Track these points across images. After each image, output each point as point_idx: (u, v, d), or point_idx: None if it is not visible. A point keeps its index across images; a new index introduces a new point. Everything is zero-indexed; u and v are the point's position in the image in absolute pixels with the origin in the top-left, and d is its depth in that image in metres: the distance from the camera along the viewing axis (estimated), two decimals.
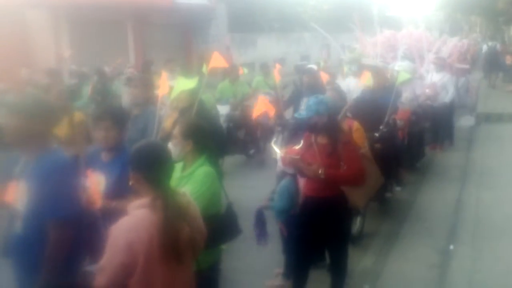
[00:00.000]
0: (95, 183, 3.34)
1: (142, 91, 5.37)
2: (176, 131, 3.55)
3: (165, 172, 2.69)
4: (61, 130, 3.44)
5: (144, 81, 5.67)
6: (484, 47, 23.79)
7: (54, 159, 2.98)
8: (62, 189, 2.88)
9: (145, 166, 2.64)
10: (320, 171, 4.25)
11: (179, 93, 4.81)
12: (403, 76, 6.92)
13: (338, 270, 4.63)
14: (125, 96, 7.69)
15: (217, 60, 5.09)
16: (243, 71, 10.50)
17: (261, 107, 5.15)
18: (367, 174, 4.40)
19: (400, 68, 8.36)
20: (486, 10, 31.82)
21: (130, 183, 2.69)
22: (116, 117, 3.73)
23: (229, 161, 9.04)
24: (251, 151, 9.85)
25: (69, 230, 2.88)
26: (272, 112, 5.23)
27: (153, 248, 2.48)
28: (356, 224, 6.07)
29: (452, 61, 12.03)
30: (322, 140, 4.39)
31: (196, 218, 2.77)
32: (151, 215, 2.52)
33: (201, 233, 2.81)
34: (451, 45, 13.44)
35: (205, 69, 5.00)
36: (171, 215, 2.54)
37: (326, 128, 4.36)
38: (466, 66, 13.24)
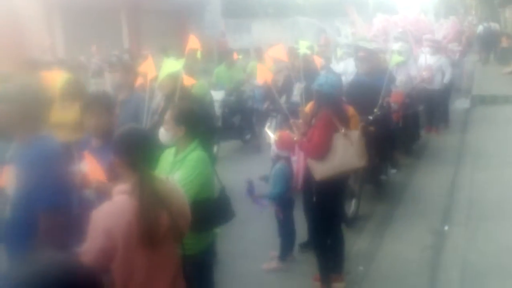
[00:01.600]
0: (93, 164, 3.34)
1: (125, 75, 5.33)
2: (168, 116, 3.54)
3: (146, 157, 2.67)
4: (71, 116, 3.43)
5: (126, 65, 5.63)
6: (480, 28, 23.77)
7: (44, 145, 2.97)
8: (52, 175, 2.87)
9: (125, 151, 2.64)
10: (294, 138, 4.76)
11: (168, 78, 4.78)
12: (396, 59, 6.92)
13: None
14: (108, 81, 7.64)
15: (193, 42, 5.15)
16: (237, 56, 10.49)
17: (263, 74, 5.50)
18: (325, 149, 4.56)
19: (396, 49, 8.36)
20: None
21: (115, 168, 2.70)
22: (102, 103, 3.72)
23: (225, 146, 9.06)
24: (247, 136, 9.87)
25: (60, 217, 2.88)
26: (270, 79, 5.59)
27: (132, 234, 2.48)
28: (351, 206, 6.11)
29: (448, 41, 12.00)
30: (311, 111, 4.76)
31: (179, 203, 2.76)
32: (131, 200, 2.52)
33: (185, 219, 2.80)
34: (446, 26, 13.41)
35: (199, 55, 5.01)
36: (149, 200, 2.53)
37: (317, 102, 4.70)
38: (459, 48, 13.21)
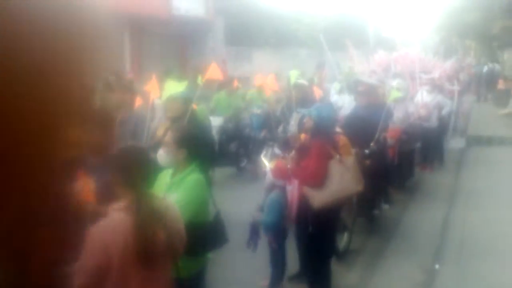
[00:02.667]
0: (86, 185, 3.35)
1: (125, 95, 5.36)
2: (169, 139, 3.57)
3: (143, 175, 2.70)
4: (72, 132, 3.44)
5: (126, 85, 5.67)
6: (485, 68, 24.53)
7: None
8: None
9: (122, 169, 2.67)
10: (288, 166, 4.77)
11: (171, 102, 4.83)
12: (395, 94, 7.01)
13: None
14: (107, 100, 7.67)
15: (214, 72, 5.18)
16: (237, 84, 10.60)
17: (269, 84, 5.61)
18: (321, 177, 4.58)
19: (394, 86, 8.46)
20: (481, 34, 32.16)
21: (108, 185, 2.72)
22: (101, 120, 3.75)
23: (220, 172, 9.07)
24: (242, 164, 9.89)
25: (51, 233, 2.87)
26: (275, 87, 5.72)
27: (128, 252, 2.49)
28: (343, 240, 6.10)
29: (442, 82, 12.15)
30: (305, 140, 4.78)
31: (175, 223, 2.77)
32: (127, 218, 2.53)
33: (180, 239, 2.81)
34: (444, 67, 13.59)
35: (200, 80, 5.07)
36: (146, 219, 2.55)
37: (311, 131, 4.73)
38: (457, 87, 13.37)
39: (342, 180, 4.63)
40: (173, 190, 3.43)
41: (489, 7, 23.81)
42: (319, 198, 4.60)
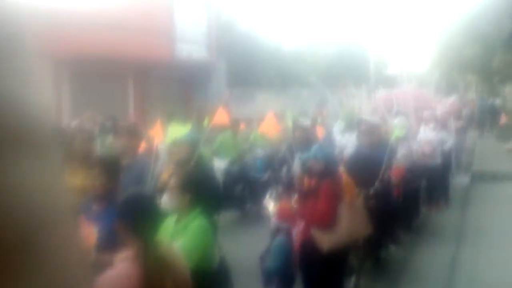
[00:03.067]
0: (88, 234, 3.33)
1: (129, 140, 5.39)
2: (174, 183, 3.56)
3: (150, 223, 2.68)
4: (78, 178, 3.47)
5: (130, 130, 5.70)
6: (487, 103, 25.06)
7: None
8: None
9: (130, 216, 2.65)
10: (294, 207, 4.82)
11: (178, 146, 4.86)
12: (397, 132, 7.02)
13: None
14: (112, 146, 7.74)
15: (221, 116, 5.25)
16: (243, 125, 10.66)
17: (269, 125, 5.61)
18: (333, 219, 4.55)
19: (396, 124, 8.48)
20: (481, 69, 32.45)
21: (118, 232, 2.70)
22: (105, 166, 3.76)
23: (224, 216, 9.00)
24: (247, 207, 9.82)
25: None
26: (277, 130, 5.70)
27: None
28: (351, 283, 6.00)
29: (445, 118, 12.19)
30: (311, 183, 4.71)
31: (181, 272, 2.75)
32: (134, 268, 2.51)
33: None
34: (446, 103, 13.67)
35: (206, 123, 5.13)
36: (153, 269, 2.52)
37: (321, 173, 4.62)
38: (462, 124, 13.42)
39: (352, 223, 4.63)
40: (178, 237, 3.41)
41: (488, 42, 24.11)
42: (328, 240, 4.56)
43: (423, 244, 8.02)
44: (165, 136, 4.86)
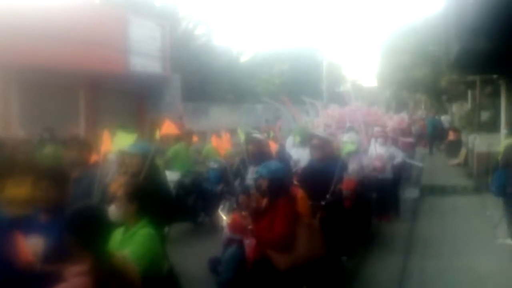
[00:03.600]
0: (27, 247, 3.25)
1: (78, 153, 5.29)
2: (121, 193, 3.53)
3: (100, 235, 2.64)
4: (21, 190, 3.40)
5: (79, 143, 5.60)
6: (443, 118, 26.08)
7: None
8: None
9: (80, 230, 2.60)
10: (249, 227, 4.61)
11: (129, 156, 4.81)
12: (348, 147, 7.15)
13: None
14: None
15: (169, 127, 5.21)
16: (196, 139, 10.63)
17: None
18: (289, 240, 4.50)
19: (347, 139, 8.64)
20: (430, 88, 33.56)
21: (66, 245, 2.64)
22: (52, 176, 3.69)
23: (177, 228, 8.93)
24: (199, 219, 9.77)
25: None
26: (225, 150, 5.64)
27: None
28: None
29: (396, 135, 12.52)
30: (264, 201, 4.65)
31: (134, 282, 2.71)
32: (88, 281, 2.45)
33: None
34: (396, 120, 14.06)
35: (157, 135, 5.09)
36: (105, 281, 2.48)
37: (269, 191, 4.67)
38: (411, 140, 13.81)
39: (309, 244, 4.59)
40: (125, 246, 3.36)
41: (436, 63, 24.95)
42: (285, 261, 4.52)
43: (374, 254, 8.16)
44: (112, 145, 4.79)
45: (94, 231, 2.62)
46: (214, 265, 5.15)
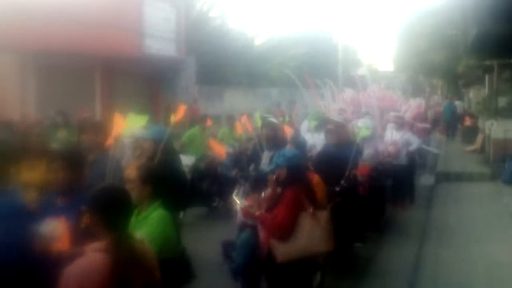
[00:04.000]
0: (52, 230, 3.26)
1: (94, 136, 5.32)
2: (134, 175, 3.55)
3: (123, 216, 2.67)
4: (37, 173, 3.42)
5: (95, 126, 5.63)
6: (457, 103, 25.52)
7: (6, 200, 2.94)
8: (9, 232, 2.84)
9: (102, 208, 2.63)
10: (257, 213, 4.54)
11: (143, 141, 4.84)
12: (363, 132, 7.10)
13: None
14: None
15: (181, 113, 5.22)
16: (210, 123, 10.62)
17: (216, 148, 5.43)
18: (289, 230, 4.38)
19: (362, 125, 8.57)
20: (447, 73, 33.21)
21: (86, 224, 2.66)
22: (68, 159, 3.70)
23: (192, 212, 8.97)
24: (214, 203, 9.80)
25: (9, 273, 2.82)
26: (223, 152, 5.48)
27: None
28: (316, 280, 6.03)
29: (413, 120, 12.41)
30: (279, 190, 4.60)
31: (151, 266, 2.74)
32: (105, 258, 2.48)
33: (156, 282, 2.76)
34: (412, 106, 13.91)
35: (172, 119, 5.10)
36: (125, 260, 2.51)
37: (287, 179, 4.49)
38: (427, 126, 13.69)
39: (311, 236, 4.43)
40: (138, 228, 3.38)
41: (454, 47, 24.60)
42: (282, 251, 4.42)
43: (388, 241, 8.14)
44: (124, 128, 4.81)
45: (117, 211, 2.65)
46: (227, 249, 5.15)
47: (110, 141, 5.38)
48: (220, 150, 6.50)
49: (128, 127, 4.66)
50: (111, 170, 4.16)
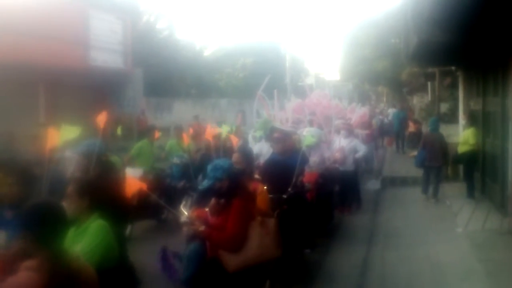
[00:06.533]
0: None
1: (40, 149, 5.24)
2: (71, 189, 3.51)
3: (55, 232, 2.60)
4: None
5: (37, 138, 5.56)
6: (389, 111, 25.48)
7: None
8: None
9: (33, 225, 2.55)
10: (200, 229, 4.44)
11: (77, 156, 4.83)
12: (308, 140, 7.22)
13: None
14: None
15: (104, 119, 5.20)
16: (158, 134, 10.53)
17: (133, 187, 5.06)
18: (240, 242, 4.38)
19: (308, 133, 8.71)
20: (391, 81, 34.15)
21: (20, 242, 2.58)
22: (18, 174, 3.67)
23: (140, 225, 8.85)
24: (163, 215, 9.68)
25: None
26: (144, 187, 5.18)
27: None
28: (266, 287, 6.05)
29: (356, 127, 12.69)
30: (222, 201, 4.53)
31: (89, 282, 2.67)
32: (36, 278, 2.40)
33: None
34: (358, 113, 14.24)
35: (119, 131, 5.07)
36: (59, 277, 2.44)
37: (229, 191, 4.47)
38: (368, 131, 14.04)
39: (261, 244, 4.45)
40: (78, 240, 3.34)
41: (396, 56, 25.32)
42: (234, 262, 4.41)
43: (336, 246, 8.26)
44: (58, 140, 4.74)
45: (49, 227, 2.57)
46: (165, 257, 5.06)
47: (47, 154, 5.28)
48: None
49: (61, 139, 4.62)
50: (46, 185, 4.09)
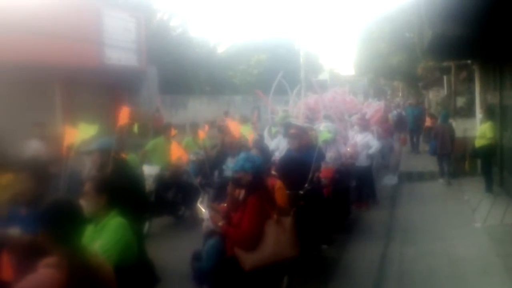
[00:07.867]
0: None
1: (57, 148, 5.30)
2: (88, 187, 3.53)
3: (73, 229, 2.61)
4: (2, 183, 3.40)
5: (58, 137, 5.61)
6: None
7: None
8: None
9: (53, 223, 2.57)
10: (219, 224, 4.45)
11: (92, 154, 4.85)
12: (325, 136, 7.19)
13: None
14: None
15: (125, 116, 5.24)
16: (174, 131, 10.54)
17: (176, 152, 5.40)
18: (255, 240, 4.37)
19: (324, 129, 8.68)
20: (406, 76, 33.85)
21: (40, 239, 2.60)
22: (32, 171, 3.69)
23: (158, 222, 8.89)
24: (180, 212, 9.73)
25: None
26: (185, 157, 5.39)
27: None
28: (284, 283, 6.05)
29: (374, 123, 12.62)
30: (241, 195, 4.50)
31: (107, 279, 2.68)
32: (57, 274, 2.42)
33: None
34: (373, 108, 14.16)
35: (136, 129, 5.11)
36: (78, 274, 2.45)
37: (249, 186, 4.48)
38: (388, 127, 13.97)
39: (277, 243, 4.44)
40: (96, 238, 3.36)
41: (412, 50, 25.09)
42: (250, 261, 4.41)
43: (353, 242, 8.22)
44: (76, 138, 4.80)
45: (67, 225, 2.59)
46: (196, 258, 5.12)
47: (64, 152, 5.34)
48: (183, 156, 6.45)
49: (79, 137, 4.66)
50: (65, 183, 4.12)
